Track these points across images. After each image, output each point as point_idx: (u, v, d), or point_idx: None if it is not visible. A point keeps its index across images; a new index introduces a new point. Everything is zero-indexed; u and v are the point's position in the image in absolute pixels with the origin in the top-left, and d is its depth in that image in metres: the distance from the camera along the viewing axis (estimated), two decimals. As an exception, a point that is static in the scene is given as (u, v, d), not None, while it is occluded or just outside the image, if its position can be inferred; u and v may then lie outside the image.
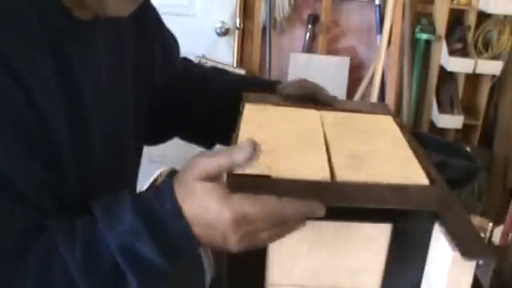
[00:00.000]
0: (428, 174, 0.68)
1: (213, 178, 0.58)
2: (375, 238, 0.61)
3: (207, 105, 0.97)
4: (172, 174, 1.11)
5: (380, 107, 1.00)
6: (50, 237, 0.60)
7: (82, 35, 0.69)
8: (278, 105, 0.90)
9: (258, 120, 0.82)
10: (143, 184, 1.23)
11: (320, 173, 0.66)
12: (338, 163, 0.69)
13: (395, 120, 0.88)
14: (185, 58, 1.04)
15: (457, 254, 0.53)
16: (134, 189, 0.90)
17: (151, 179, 1.24)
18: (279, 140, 0.75)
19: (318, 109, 0.90)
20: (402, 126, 0.85)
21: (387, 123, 0.87)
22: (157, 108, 0.93)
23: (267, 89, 0.96)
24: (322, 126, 0.82)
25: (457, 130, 2.44)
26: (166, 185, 0.60)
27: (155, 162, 2.39)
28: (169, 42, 0.97)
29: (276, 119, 0.84)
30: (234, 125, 0.82)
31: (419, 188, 0.65)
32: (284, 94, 0.94)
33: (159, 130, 1.00)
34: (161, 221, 0.58)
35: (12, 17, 0.59)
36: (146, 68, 0.86)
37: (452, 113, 2.40)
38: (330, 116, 0.87)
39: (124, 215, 0.59)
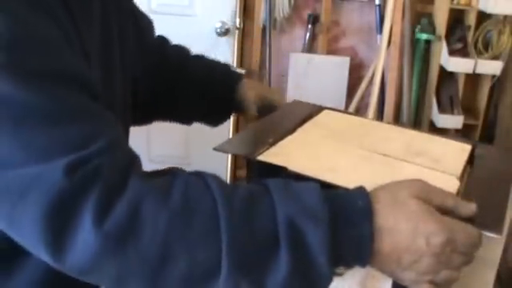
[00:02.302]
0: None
1: (428, 203, 0.57)
2: None
3: (187, 88, 0.97)
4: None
5: (299, 104, 0.98)
6: (200, 178, 0.56)
7: (85, 3, 0.67)
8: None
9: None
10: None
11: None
12: (423, 162, 0.73)
13: (344, 111, 0.93)
14: (160, 36, 1.02)
15: None
16: None
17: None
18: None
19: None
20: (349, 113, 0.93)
21: (349, 119, 0.91)
22: (138, 90, 0.90)
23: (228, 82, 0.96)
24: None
25: (457, 130, 2.44)
26: (359, 187, 0.58)
27: (155, 162, 2.39)
28: (142, 20, 0.95)
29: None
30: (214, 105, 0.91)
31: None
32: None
33: (140, 113, 0.99)
34: (347, 214, 0.54)
35: None
36: (127, 44, 0.84)
37: (452, 113, 2.40)
38: (316, 129, 0.86)
39: (306, 194, 0.55)
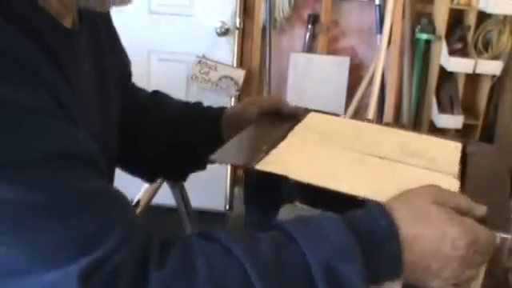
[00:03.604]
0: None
1: (446, 206, 0.58)
2: None
3: (149, 138, 0.91)
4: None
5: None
6: (215, 241, 0.54)
7: (71, 46, 0.63)
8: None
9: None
10: (143, 184, 1.23)
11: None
12: (418, 163, 0.73)
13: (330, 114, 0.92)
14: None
15: None
16: None
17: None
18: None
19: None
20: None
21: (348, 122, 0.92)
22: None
23: (211, 118, 0.90)
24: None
25: (457, 130, 2.44)
26: (374, 204, 0.58)
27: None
28: (123, 59, 0.90)
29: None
30: (177, 161, 0.87)
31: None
32: (252, 116, 0.87)
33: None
34: (374, 239, 0.55)
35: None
36: (116, 76, 0.81)
37: (452, 113, 2.40)
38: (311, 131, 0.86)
39: (330, 231, 0.54)
